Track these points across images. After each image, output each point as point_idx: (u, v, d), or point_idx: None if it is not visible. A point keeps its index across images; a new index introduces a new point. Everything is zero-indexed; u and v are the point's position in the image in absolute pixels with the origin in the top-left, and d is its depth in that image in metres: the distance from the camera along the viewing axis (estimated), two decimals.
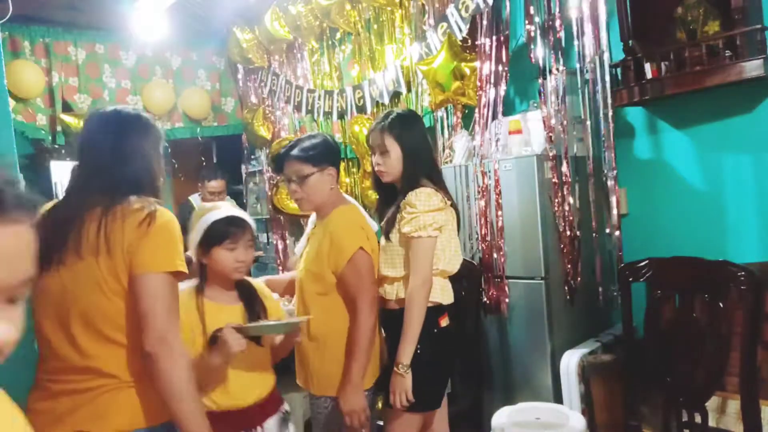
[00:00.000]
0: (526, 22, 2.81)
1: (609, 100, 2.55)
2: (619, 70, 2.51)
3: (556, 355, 2.45)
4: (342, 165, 2.25)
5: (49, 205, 1.47)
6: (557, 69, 2.68)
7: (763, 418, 1.92)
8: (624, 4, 2.41)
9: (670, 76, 2.31)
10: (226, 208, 1.79)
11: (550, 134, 2.62)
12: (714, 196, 2.44)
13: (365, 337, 1.87)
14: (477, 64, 2.93)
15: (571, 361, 2.36)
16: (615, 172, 2.58)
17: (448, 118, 3.27)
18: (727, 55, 2.16)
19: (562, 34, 2.68)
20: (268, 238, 4.84)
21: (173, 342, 1.39)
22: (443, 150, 3.18)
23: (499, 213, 2.65)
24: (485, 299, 2.69)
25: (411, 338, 1.84)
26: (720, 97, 2.33)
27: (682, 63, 2.27)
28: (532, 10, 2.78)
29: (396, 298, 1.95)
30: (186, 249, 1.62)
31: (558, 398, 2.41)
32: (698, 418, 1.93)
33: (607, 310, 2.67)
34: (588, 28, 2.59)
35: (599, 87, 2.58)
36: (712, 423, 2.01)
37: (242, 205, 4.72)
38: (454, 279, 2.07)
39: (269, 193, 4.58)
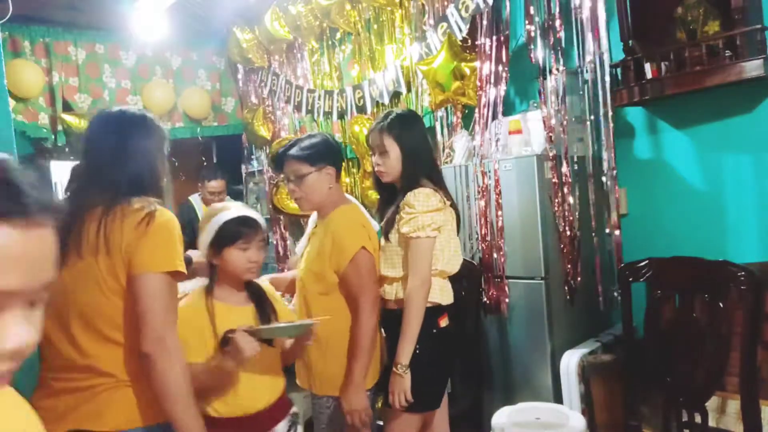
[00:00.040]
0: (526, 22, 2.81)
1: (609, 100, 2.55)
2: (619, 70, 2.51)
3: (556, 355, 2.45)
4: (342, 165, 2.24)
5: None
6: (557, 69, 2.67)
7: (763, 418, 1.92)
8: (624, 4, 2.41)
9: (670, 76, 2.31)
10: (238, 208, 1.76)
11: (550, 134, 2.62)
12: (714, 196, 2.44)
13: (367, 336, 1.88)
14: (477, 64, 2.93)
15: (571, 361, 2.36)
16: (615, 172, 2.58)
17: (448, 118, 3.27)
18: (727, 55, 2.16)
19: (562, 34, 2.68)
20: (268, 238, 4.84)
21: (170, 343, 1.40)
22: (443, 150, 3.18)
23: (499, 213, 2.65)
24: (485, 299, 2.69)
25: (409, 338, 1.84)
26: (720, 97, 2.33)
27: (682, 63, 2.27)
28: (532, 10, 2.78)
29: (395, 298, 1.95)
30: (186, 249, 1.62)
31: (558, 398, 2.41)
32: (698, 418, 1.93)
33: (607, 310, 2.67)
34: (588, 28, 2.59)
35: (599, 87, 2.58)
36: (712, 423, 2.02)
37: None
38: (454, 279, 2.07)
39: (269, 193, 4.58)
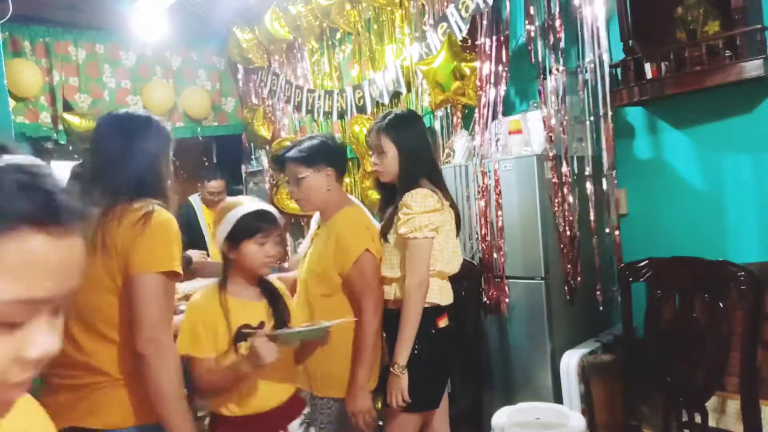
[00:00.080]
0: (526, 22, 2.81)
1: (609, 100, 2.55)
2: (619, 70, 2.51)
3: (556, 355, 2.45)
4: (345, 166, 2.21)
5: None
6: (557, 69, 2.67)
7: (763, 418, 1.92)
8: (624, 4, 2.41)
9: (670, 76, 2.31)
10: (254, 202, 1.74)
11: (550, 134, 2.62)
12: (714, 196, 2.44)
13: (370, 338, 1.88)
14: (477, 64, 2.93)
15: (571, 361, 2.36)
16: (615, 172, 2.58)
17: (448, 118, 3.27)
18: (727, 55, 2.16)
19: (562, 34, 2.68)
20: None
21: (165, 343, 1.41)
22: (443, 150, 3.18)
23: (499, 213, 2.65)
24: (485, 299, 2.69)
25: (407, 339, 1.84)
26: (720, 97, 2.33)
27: (682, 63, 2.27)
28: (532, 10, 2.78)
29: (394, 298, 1.95)
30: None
31: (558, 398, 2.41)
32: (698, 418, 1.93)
33: (607, 310, 2.67)
34: (588, 28, 2.59)
35: (599, 87, 2.58)
36: (712, 423, 2.01)
37: None
38: (454, 279, 2.07)
39: (269, 193, 4.58)
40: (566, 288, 2.58)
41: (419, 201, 1.86)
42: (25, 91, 3.99)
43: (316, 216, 2.17)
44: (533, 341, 2.54)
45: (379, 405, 2.04)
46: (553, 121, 2.63)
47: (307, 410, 1.80)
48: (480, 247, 2.75)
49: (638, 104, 2.52)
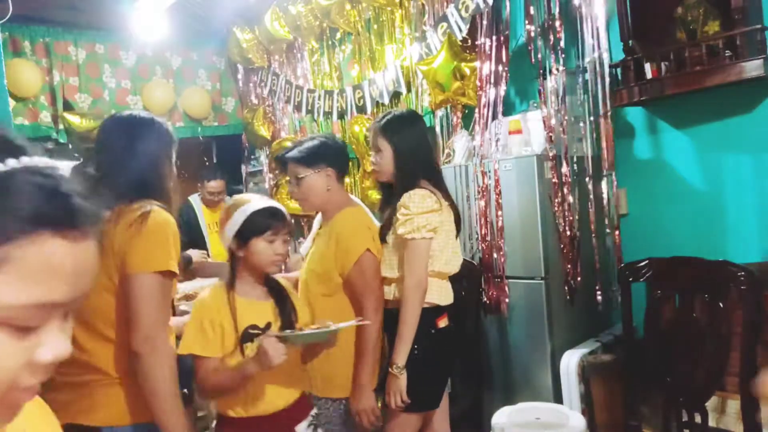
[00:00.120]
0: (526, 22, 2.81)
1: (609, 100, 2.55)
2: (619, 70, 2.51)
3: (556, 355, 2.45)
4: (346, 167, 2.19)
5: None
6: (557, 69, 2.68)
7: (763, 418, 1.92)
8: (624, 4, 2.41)
9: (670, 76, 2.30)
10: (264, 199, 1.72)
11: (550, 134, 2.62)
12: (714, 196, 2.44)
13: (372, 338, 1.88)
14: (477, 64, 2.93)
15: (571, 361, 2.36)
16: (615, 172, 2.58)
17: (448, 118, 3.27)
18: (727, 55, 2.16)
19: (562, 34, 2.68)
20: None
21: (160, 343, 1.42)
22: (443, 150, 3.18)
23: (499, 213, 2.65)
24: (485, 299, 2.69)
25: (405, 339, 1.85)
26: (720, 97, 2.33)
27: (682, 63, 2.27)
28: (532, 10, 2.79)
29: (393, 298, 1.96)
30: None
31: (558, 398, 2.41)
32: (698, 418, 1.93)
33: (607, 310, 2.67)
34: (588, 28, 2.59)
35: (599, 87, 2.58)
36: (712, 423, 2.01)
37: None
38: (454, 279, 2.07)
39: (270, 193, 4.58)
40: (566, 288, 2.58)
41: (417, 202, 1.86)
42: (25, 91, 3.99)
43: (319, 216, 2.18)
44: (533, 341, 2.54)
45: (379, 404, 2.04)
46: (553, 121, 2.63)
47: (314, 412, 1.78)
48: (480, 247, 2.75)
49: (638, 104, 2.52)
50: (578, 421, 2.05)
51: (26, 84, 3.97)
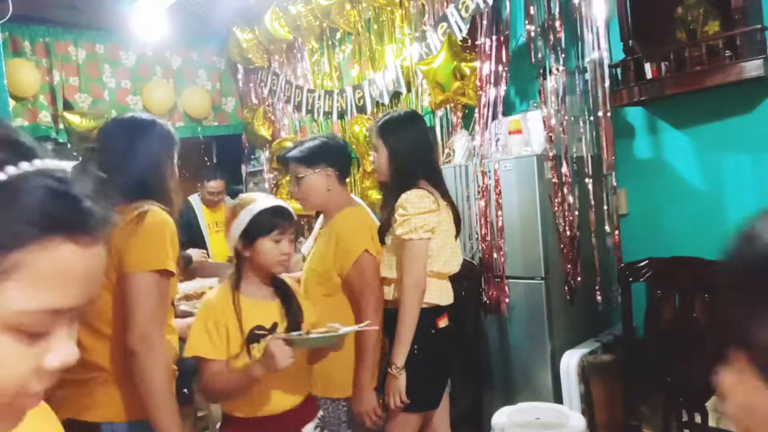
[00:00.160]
0: (526, 22, 2.81)
1: (609, 100, 2.55)
2: (619, 70, 2.51)
3: (556, 355, 2.45)
4: (348, 167, 2.18)
5: None
6: (557, 69, 2.68)
7: None
8: (624, 4, 2.41)
9: (670, 76, 2.31)
10: (270, 198, 1.70)
11: (550, 134, 2.62)
12: (714, 196, 2.44)
13: (371, 339, 1.88)
14: (477, 64, 2.93)
15: (571, 361, 2.36)
16: (615, 172, 2.58)
17: (448, 118, 3.27)
18: (727, 55, 2.16)
19: (562, 34, 2.68)
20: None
21: (156, 341, 1.44)
22: (443, 150, 3.18)
23: (499, 213, 2.65)
24: (485, 299, 2.69)
25: (403, 340, 1.85)
26: (720, 97, 2.33)
27: (682, 63, 2.27)
28: (532, 10, 2.79)
29: (393, 298, 1.96)
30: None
31: (558, 398, 2.41)
32: (698, 418, 1.93)
33: (607, 310, 2.67)
34: (588, 28, 2.59)
35: (599, 87, 2.58)
36: (712, 423, 2.01)
37: None
38: (454, 279, 2.07)
39: (270, 193, 4.58)
40: (566, 288, 2.58)
41: (414, 202, 1.87)
42: (23, 91, 3.99)
43: (322, 216, 2.18)
44: (533, 341, 2.54)
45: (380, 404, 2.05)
46: (553, 121, 2.63)
47: (321, 414, 1.76)
48: (480, 247, 2.75)
49: (638, 104, 2.52)
50: (578, 421, 2.06)
51: (25, 84, 3.97)
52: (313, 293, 1.99)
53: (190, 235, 3.74)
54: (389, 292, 1.97)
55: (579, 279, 2.58)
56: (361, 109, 3.73)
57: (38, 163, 0.47)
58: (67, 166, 0.50)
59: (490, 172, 2.68)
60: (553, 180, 2.57)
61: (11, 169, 0.45)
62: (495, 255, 2.68)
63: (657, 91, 2.34)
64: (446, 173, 2.81)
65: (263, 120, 4.61)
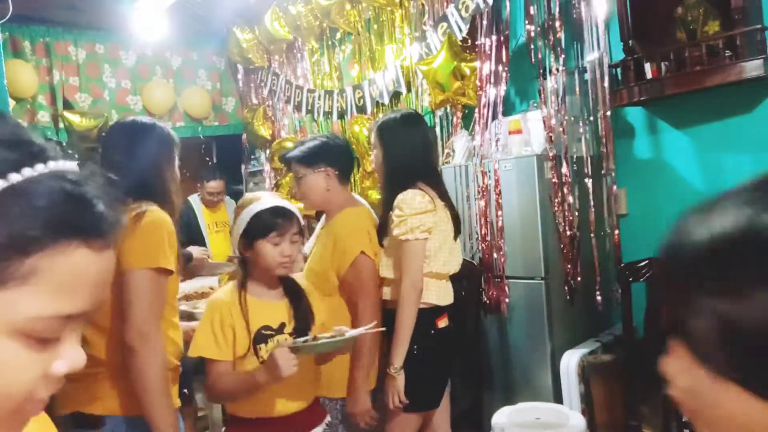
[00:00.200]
0: (526, 22, 2.81)
1: (609, 100, 2.55)
2: (619, 70, 2.51)
3: (556, 355, 2.45)
4: (349, 167, 2.16)
5: None
6: (557, 69, 2.68)
7: None
8: (624, 4, 2.41)
9: (670, 76, 2.31)
10: (271, 198, 1.66)
11: (550, 134, 2.62)
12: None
13: (367, 340, 1.88)
14: (477, 64, 2.93)
15: (571, 361, 2.36)
16: (615, 172, 2.58)
17: (448, 118, 3.27)
18: (727, 55, 2.16)
19: (562, 34, 2.68)
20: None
21: (152, 337, 1.47)
22: (443, 150, 3.18)
23: (499, 213, 2.65)
24: (485, 299, 2.69)
25: (401, 341, 1.85)
26: (720, 97, 2.33)
27: (682, 63, 2.27)
28: (532, 10, 2.79)
29: (391, 298, 1.96)
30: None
31: (558, 398, 2.41)
32: None
33: (607, 310, 2.67)
34: (588, 28, 2.59)
35: (599, 87, 2.58)
36: None
37: None
38: (454, 279, 2.07)
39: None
40: (566, 288, 2.58)
41: (410, 202, 1.87)
42: (22, 92, 3.98)
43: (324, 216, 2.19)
44: (533, 341, 2.54)
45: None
46: (553, 121, 2.63)
47: (328, 419, 1.73)
48: (480, 247, 2.75)
49: (638, 104, 2.52)
50: (578, 421, 2.06)
51: (23, 85, 3.97)
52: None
53: (190, 235, 3.74)
54: (388, 292, 1.97)
55: (579, 279, 2.58)
56: (361, 109, 3.73)
57: (52, 165, 0.46)
58: (76, 166, 0.49)
59: (490, 172, 2.68)
60: (553, 180, 2.57)
61: (27, 171, 0.44)
62: (495, 255, 2.68)
63: (657, 91, 2.34)
64: (446, 173, 2.82)
65: (263, 120, 4.61)
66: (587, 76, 2.64)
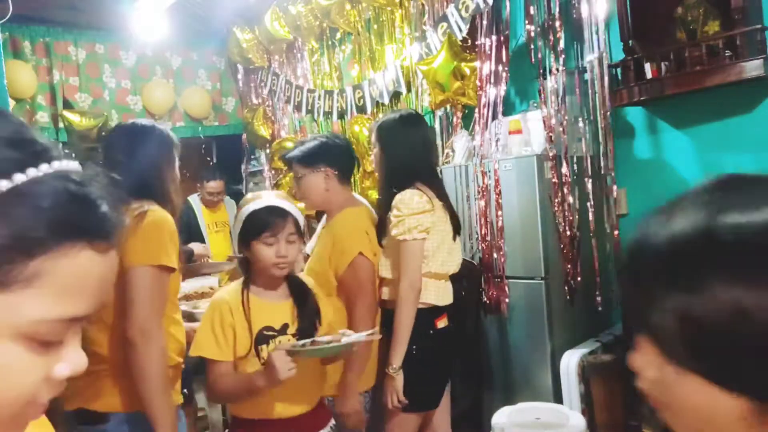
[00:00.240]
0: (526, 22, 2.81)
1: (609, 100, 2.55)
2: (619, 70, 2.51)
3: (556, 355, 2.45)
4: (350, 167, 2.14)
5: None
6: (557, 69, 2.68)
7: None
8: (624, 4, 2.41)
9: (670, 76, 2.30)
10: (270, 197, 1.63)
11: (550, 134, 2.62)
12: None
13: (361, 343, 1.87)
14: (477, 64, 2.93)
15: (571, 361, 2.36)
16: (615, 172, 2.58)
17: (448, 118, 3.27)
18: (727, 55, 2.16)
19: (562, 34, 2.68)
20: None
21: (154, 334, 1.49)
22: (443, 150, 3.18)
23: (499, 213, 2.65)
24: (485, 299, 2.69)
25: (400, 341, 1.85)
26: (720, 97, 2.33)
27: (682, 63, 2.27)
28: (532, 10, 2.79)
29: (389, 298, 1.97)
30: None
31: (558, 398, 2.41)
32: None
33: (607, 310, 2.67)
34: (588, 28, 2.59)
35: (599, 87, 2.58)
36: None
37: None
38: (454, 279, 2.07)
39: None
40: (566, 288, 2.58)
41: (407, 203, 1.87)
42: (21, 92, 3.98)
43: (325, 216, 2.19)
44: (533, 341, 2.54)
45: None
46: (553, 121, 2.63)
47: (332, 422, 1.71)
48: (480, 247, 2.75)
49: (638, 104, 2.52)
50: (578, 421, 2.06)
51: (22, 85, 3.96)
52: None
53: (190, 235, 3.74)
54: (387, 292, 1.97)
55: (579, 279, 2.58)
56: (361, 109, 3.73)
57: (56, 165, 0.45)
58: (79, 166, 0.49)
59: (490, 172, 2.68)
60: (553, 180, 2.57)
61: (31, 171, 0.43)
62: (495, 255, 2.68)
63: (657, 91, 2.34)
64: (446, 173, 2.82)
65: (263, 120, 4.61)
66: (587, 76, 2.64)
